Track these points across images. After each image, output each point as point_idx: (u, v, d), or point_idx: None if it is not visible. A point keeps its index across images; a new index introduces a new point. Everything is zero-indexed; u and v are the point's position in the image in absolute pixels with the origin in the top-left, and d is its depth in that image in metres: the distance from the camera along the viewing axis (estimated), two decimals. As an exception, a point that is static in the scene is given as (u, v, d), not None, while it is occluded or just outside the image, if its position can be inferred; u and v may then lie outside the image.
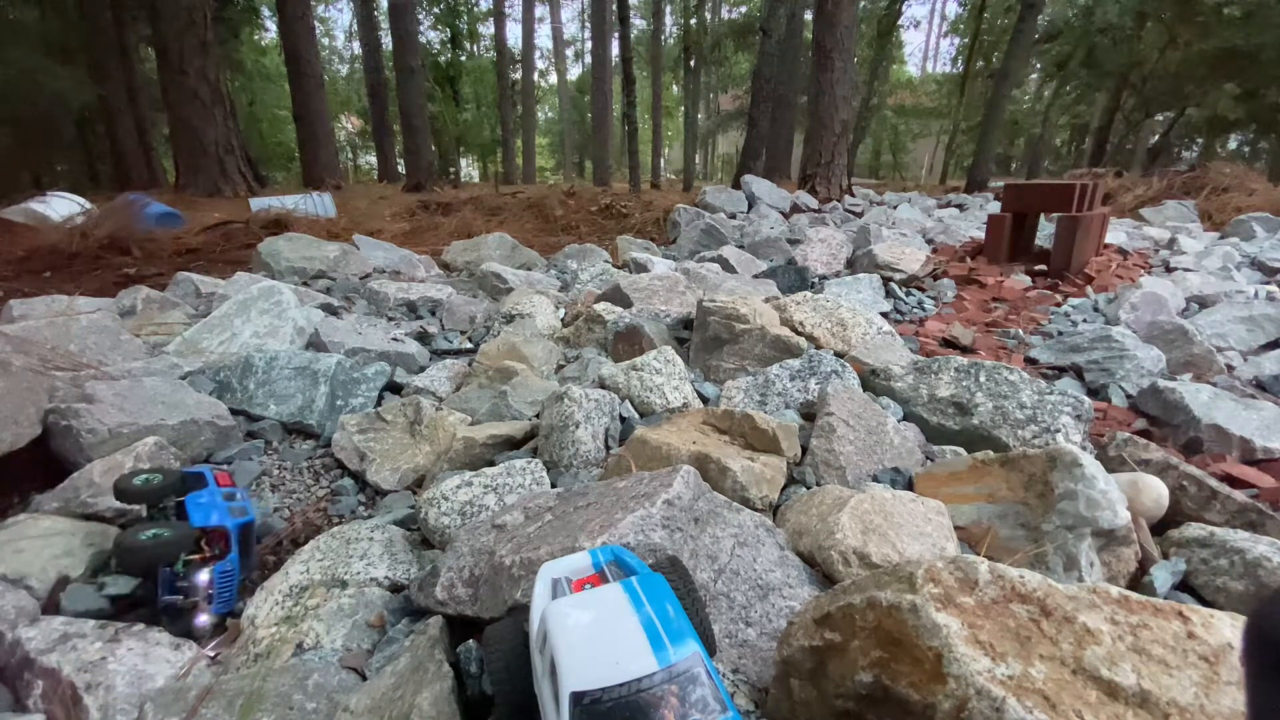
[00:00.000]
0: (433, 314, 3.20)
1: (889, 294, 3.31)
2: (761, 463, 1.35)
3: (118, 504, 1.36)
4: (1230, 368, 2.30)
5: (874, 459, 1.45)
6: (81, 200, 5.84)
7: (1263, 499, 1.36)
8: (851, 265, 4.10)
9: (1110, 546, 1.07)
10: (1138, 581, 1.10)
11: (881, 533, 1.04)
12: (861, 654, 0.67)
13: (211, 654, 1.07)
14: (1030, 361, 2.37)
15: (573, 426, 1.55)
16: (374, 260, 4.41)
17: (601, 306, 2.63)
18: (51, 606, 1.15)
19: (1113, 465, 1.41)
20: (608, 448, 1.59)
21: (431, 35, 21.44)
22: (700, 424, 1.54)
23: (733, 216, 6.77)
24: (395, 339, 2.60)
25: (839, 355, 1.98)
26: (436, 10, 21.00)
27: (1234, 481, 1.45)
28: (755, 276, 3.62)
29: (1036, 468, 1.17)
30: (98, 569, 1.26)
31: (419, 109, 12.52)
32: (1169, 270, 4.00)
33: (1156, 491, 1.26)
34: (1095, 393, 2.08)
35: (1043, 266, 3.85)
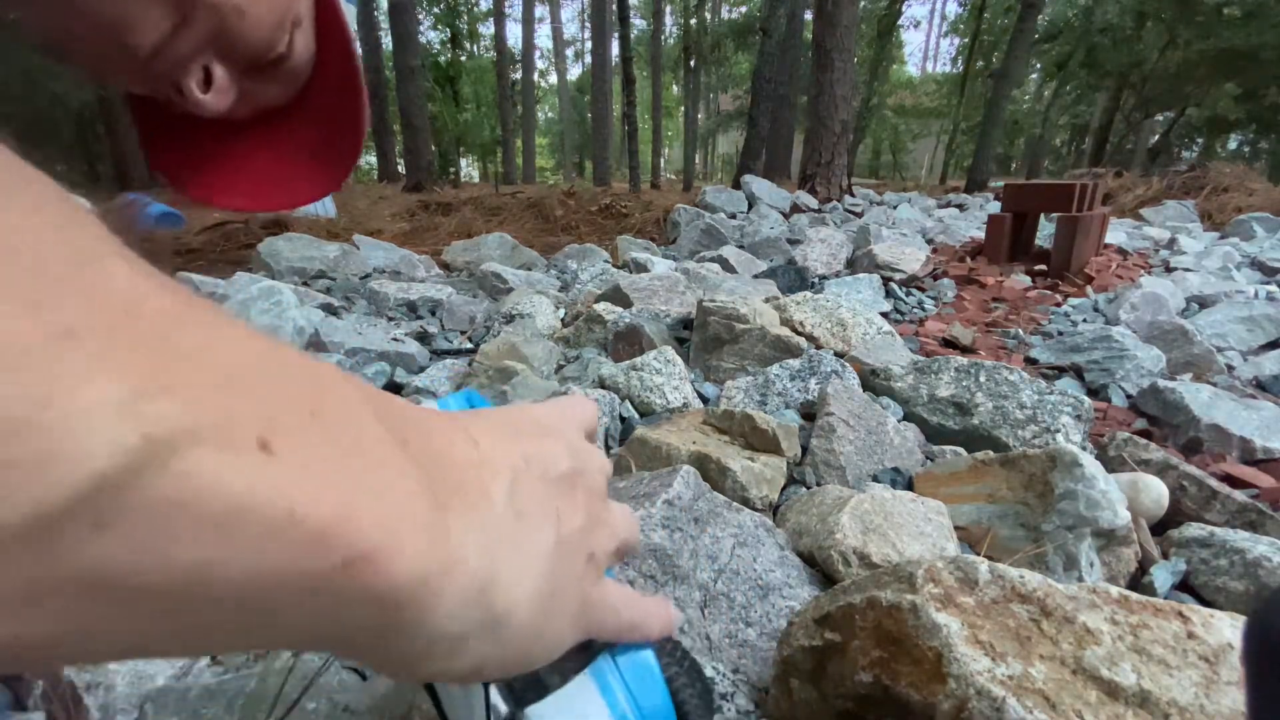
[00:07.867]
0: (433, 314, 3.20)
1: (889, 294, 3.30)
2: (761, 463, 1.35)
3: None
4: (1230, 368, 2.30)
5: (874, 459, 1.45)
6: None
7: (1263, 499, 1.36)
8: (851, 265, 4.10)
9: (1110, 546, 1.07)
10: (1138, 581, 1.10)
11: (881, 533, 1.04)
12: (861, 654, 0.67)
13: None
14: (1030, 361, 2.37)
15: (573, 426, 1.55)
16: (374, 260, 4.41)
17: (601, 306, 2.63)
18: (52, 606, 1.15)
19: (1113, 465, 1.41)
20: (608, 448, 1.59)
21: (431, 35, 21.47)
22: (700, 424, 1.54)
23: (733, 216, 6.76)
24: (395, 339, 2.60)
25: (839, 355, 1.98)
26: (436, 10, 21.00)
27: (1234, 481, 1.45)
28: (755, 276, 3.62)
29: (1036, 468, 1.17)
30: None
31: (419, 109, 12.53)
32: (1169, 270, 4.00)
33: (1156, 491, 1.26)
34: (1095, 393, 2.08)
35: (1043, 266, 3.85)
